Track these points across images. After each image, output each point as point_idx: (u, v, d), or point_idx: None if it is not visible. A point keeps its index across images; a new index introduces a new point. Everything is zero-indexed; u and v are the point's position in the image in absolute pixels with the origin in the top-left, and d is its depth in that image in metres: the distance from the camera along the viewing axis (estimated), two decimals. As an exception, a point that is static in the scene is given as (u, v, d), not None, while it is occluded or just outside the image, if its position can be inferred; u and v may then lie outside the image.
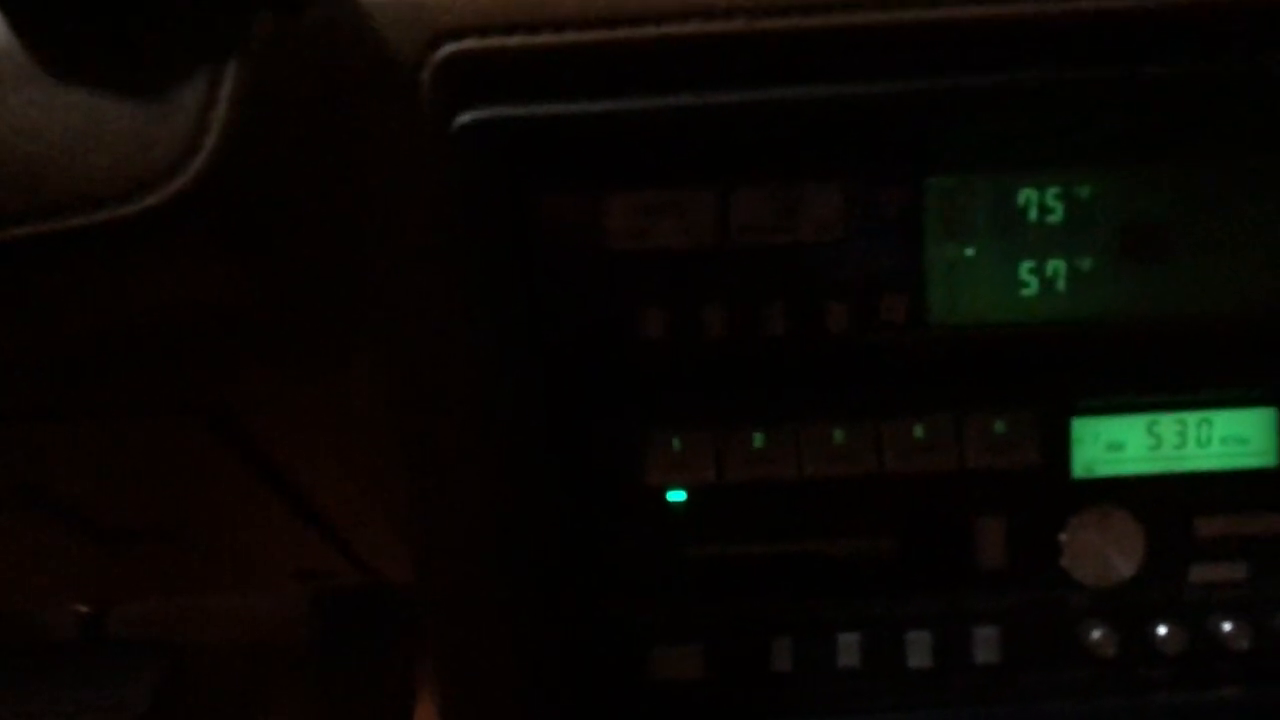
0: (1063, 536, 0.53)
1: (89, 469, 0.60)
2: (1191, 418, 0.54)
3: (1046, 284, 0.51)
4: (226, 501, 0.65)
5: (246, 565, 0.78)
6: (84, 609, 1.26)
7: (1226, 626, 0.53)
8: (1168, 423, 0.54)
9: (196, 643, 1.28)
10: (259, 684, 1.27)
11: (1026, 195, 0.50)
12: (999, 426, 0.53)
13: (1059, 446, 0.53)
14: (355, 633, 1.24)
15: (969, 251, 0.51)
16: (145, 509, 0.65)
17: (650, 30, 0.42)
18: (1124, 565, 0.53)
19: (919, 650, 0.54)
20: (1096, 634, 0.53)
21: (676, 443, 0.53)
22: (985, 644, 0.54)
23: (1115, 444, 0.54)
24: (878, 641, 0.54)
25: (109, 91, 0.39)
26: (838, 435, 0.53)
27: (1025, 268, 0.51)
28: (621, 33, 0.42)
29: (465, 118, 0.43)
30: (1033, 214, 0.50)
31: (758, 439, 0.53)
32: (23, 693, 1.19)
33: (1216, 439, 0.54)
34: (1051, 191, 0.50)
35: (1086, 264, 0.51)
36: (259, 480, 0.61)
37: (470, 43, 0.42)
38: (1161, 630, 0.53)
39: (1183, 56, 0.44)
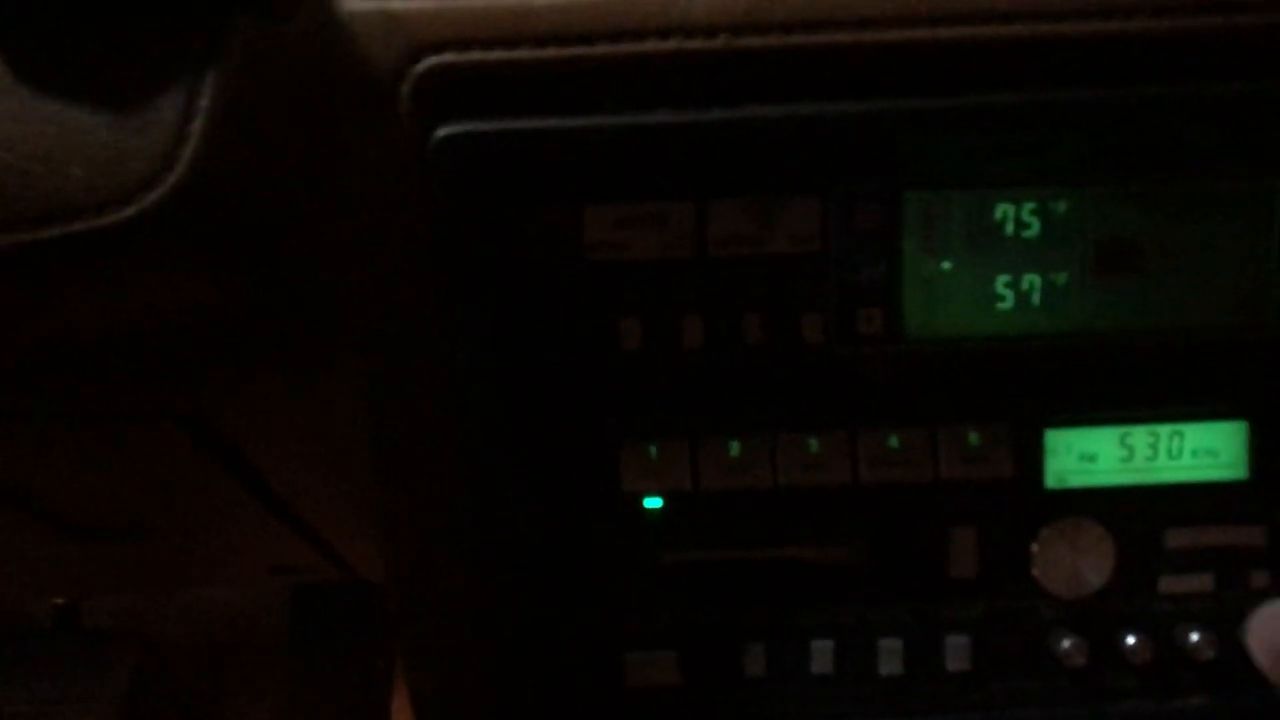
0: (1034, 547, 0.54)
1: (63, 469, 0.59)
2: (1164, 430, 0.54)
3: (1022, 298, 0.51)
4: (203, 501, 0.65)
5: (223, 561, 0.78)
6: (59, 600, 1.25)
7: (1194, 637, 0.53)
8: (1140, 434, 0.54)
9: (171, 634, 1.28)
10: (234, 675, 1.27)
11: (1003, 210, 0.51)
12: (973, 438, 0.53)
13: (1032, 458, 0.54)
14: (331, 624, 1.23)
15: (945, 265, 0.51)
16: (121, 508, 0.65)
17: (630, 47, 0.42)
18: (1094, 576, 0.54)
19: (891, 658, 0.54)
20: (1066, 643, 0.53)
21: (653, 450, 0.53)
22: (956, 652, 0.54)
23: (1088, 455, 0.54)
24: (850, 648, 0.54)
25: (86, 102, 0.38)
26: (813, 445, 0.53)
27: (1001, 281, 0.51)
28: (601, 49, 0.42)
29: (444, 131, 0.43)
30: (1009, 228, 0.51)
31: (734, 447, 0.53)
32: (1, 683, 1.19)
33: (1188, 451, 0.54)
34: (1027, 206, 0.51)
35: (1061, 278, 0.51)
36: (236, 481, 0.61)
37: (450, 56, 0.42)
38: (1130, 640, 0.54)
39: (1157, 79, 0.45)
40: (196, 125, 0.39)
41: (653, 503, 0.54)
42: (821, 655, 0.54)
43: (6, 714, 1.20)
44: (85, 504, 0.64)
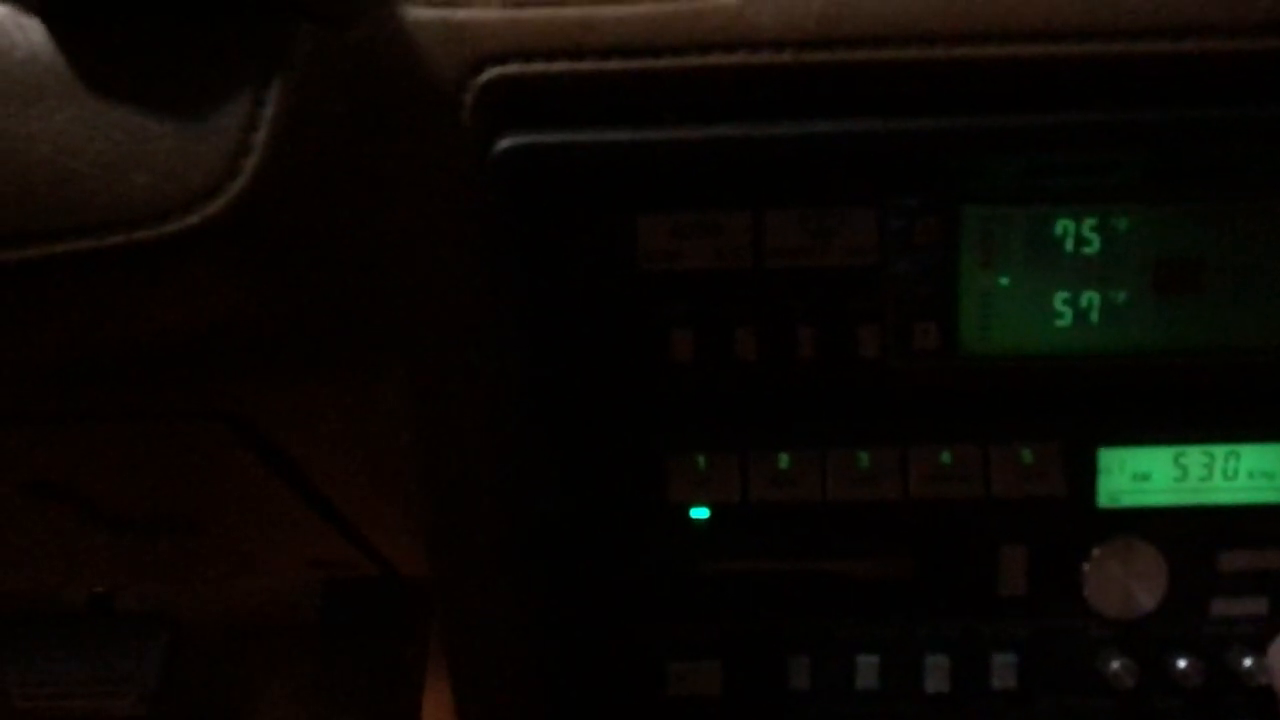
0: (1085, 566, 0.53)
1: (109, 465, 0.59)
2: (1219, 450, 0.53)
3: (1080, 315, 0.51)
4: (246, 497, 0.65)
5: (263, 555, 0.78)
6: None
7: (1246, 662, 0.53)
8: (1195, 455, 0.53)
9: (202, 618, 1.29)
10: (264, 660, 1.28)
11: (1063, 225, 0.50)
12: (1026, 455, 0.53)
13: (1085, 476, 0.53)
14: (362, 612, 1.24)
15: (1003, 280, 0.50)
16: (164, 503, 0.65)
17: (695, 60, 0.41)
18: (1146, 597, 0.53)
19: (937, 674, 0.54)
20: (1115, 665, 0.53)
21: (701, 460, 0.53)
22: (1003, 671, 0.54)
23: (1141, 474, 0.53)
24: (896, 664, 0.54)
25: (151, 110, 0.38)
26: (863, 459, 0.53)
27: (1059, 298, 0.51)
28: (665, 62, 0.41)
29: (506, 142, 0.43)
30: (1069, 244, 0.50)
31: (783, 460, 0.53)
32: (33, 665, 1.20)
33: (1244, 472, 0.53)
34: (1088, 222, 0.50)
35: (1121, 296, 0.51)
36: (280, 480, 0.61)
37: (514, 67, 0.42)
38: (1181, 663, 0.53)
39: (1222, 98, 0.44)
40: (260, 134, 0.38)
41: (699, 513, 0.53)
42: (867, 670, 0.54)
43: (38, 696, 1.21)
44: (129, 498, 0.64)
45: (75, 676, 1.22)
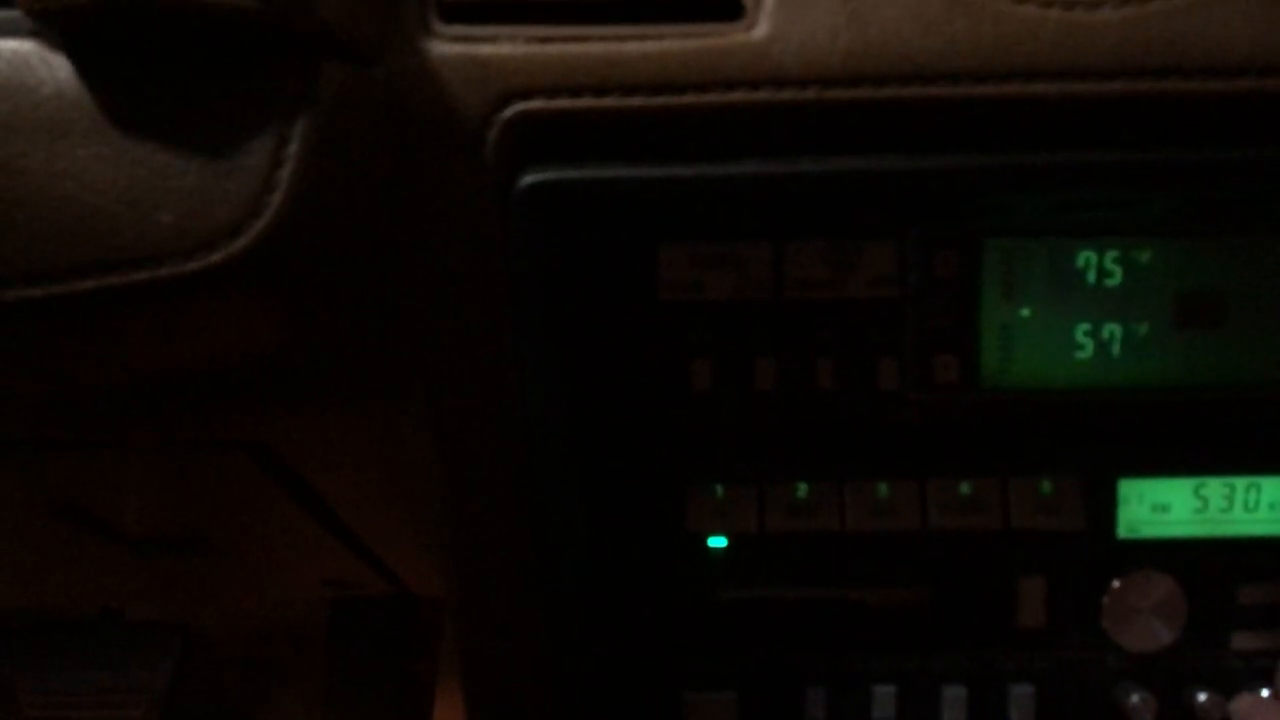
0: (1104, 598, 0.53)
1: (129, 489, 0.60)
2: (1240, 482, 0.53)
3: (1101, 347, 0.51)
4: (262, 520, 0.65)
5: (278, 575, 0.79)
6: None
7: (1266, 693, 0.52)
8: (1215, 486, 0.53)
9: (213, 627, 1.29)
10: (274, 668, 1.28)
11: (1085, 257, 0.50)
12: (1045, 487, 0.52)
13: (1105, 507, 0.53)
14: (374, 622, 1.24)
15: (1024, 312, 0.50)
16: (181, 525, 0.66)
17: (719, 97, 0.41)
18: (1165, 630, 0.53)
19: (954, 706, 0.54)
20: (1135, 698, 0.53)
21: (719, 490, 0.53)
22: (1021, 702, 0.54)
23: (1161, 505, 0.53)
24: (913, 695, 0.54)
25: (176, 147, 0.38)
26: (882, 490, 0.52)
27: (1081, 330, 0.50)
28: (690, 99, 0.41)
29: (530, 178, 0.43)
30: (1091, 276, 0.50)
31: (801, 490, 0.53)
32: (45, 674, 1.20)
33: (1265, 504, 0.53)
34: (1110, 255, 0.50)
35: (1143, 329, 0.50)
36: (296, 503, 0.61)
37: (538, 103, 0.42)
38: (1201, 697, 0.53)
39: (1245, 138, 0.44)
40: (285, 171, 0.38)
41: (717, 542, 0.53)
42: (883, 701, 0.54)
43: (49, 704, 1.21)
44: (148, 521, 0.65)
45: (86, 685, 1.22)
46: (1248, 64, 0.42)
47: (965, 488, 0.52)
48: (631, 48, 0.41)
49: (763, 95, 0.41)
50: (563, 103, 0.41)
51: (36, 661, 1.22)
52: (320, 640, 1.25)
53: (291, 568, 0.76)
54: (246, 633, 1.29)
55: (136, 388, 0.45)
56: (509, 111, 0.42)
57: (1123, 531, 0.53)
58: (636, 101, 0.41)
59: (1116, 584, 0.53)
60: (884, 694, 0.54)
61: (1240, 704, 0.52)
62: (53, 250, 0.38)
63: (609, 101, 0.41)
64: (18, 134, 0.38)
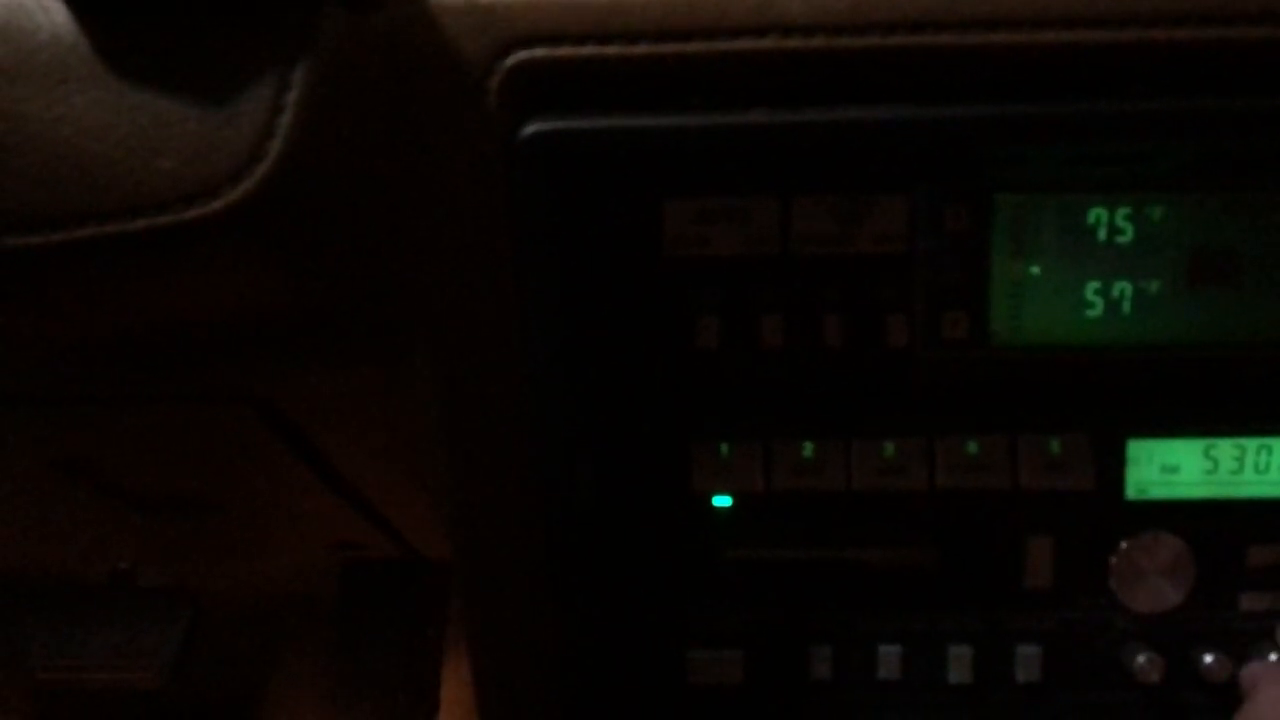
0: (1112, 559, 0.53)
1: (135, 446, 0.60)
2: (1251, 443, 0.53)
3: (1112, 305, 0.50)
4: (269, 480, 0.65)
5: (285, 536, 0.79)
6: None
7: (1275, 657, 0.52)
8: (1225, 447, 0.53)
9: (223, 593, 1.30)
10: (284, 636, 1.28)
11: (1096, 214, 0.49)
12: (1054, 446, 0.52)
13: (1114, 468, 0.52)
14: (383, 588, 1.24)
15: (1034, 269, 0.50)
16: (188, 484, 0.66)
17: (725, 45, 0.41)
18: (1173, 591, 0.53)
19: (960, 665, 0.53)
20: (1141, 659, 0.52)
21: (724, 449, 0.52)
22: (1027, 662, 0.53)
23: (1170, 467, 0.53)
24: (919, 655, 0.54)
25: (176, 93, 0.38)
26: (889, 449, 0.52)
27: (1091, 288, 0.50)
28: (694, 46, 0.41)
29: (532, 128, 0.42)
30: (1102, 233, 0.49)
31: (807, 449, 0.52)
32: (56, 638, 1.21)
33: (1275, 466, 0.53)
34: (1122, 211, 0.49)
35: (1154, 286, 0.50)
36: (302, 462, 0.61)
37: (541, 51, 0.41)
38: (1208, 658, 0.52)
39: (1262, 88, 0.43)
40: (285, 119, 0.38)
41: (722, 501, 0.53)
42: (889, 661, 0.54)
43: (60, 668, 1.22)
44: (154, 479, 0.65)
45: (96, 650, 1.23)
46: (1264, 11, 0.41)
47: (973, 447, 0.52)
48: (636, -6, 0.41)
49: (768, 43, 0.41)
50: (566, 50, 0.41)
51: (48, 626, 1.23)
52: (329, 606, 1.26)
53: (299, 529, 0.76)
54: (256, 599, 1.30)
55: (138, 341, 0.45)
56: (511, 59, 0.41)
57: (1131, 492, 0.52)
58: (640, 49, 0.41)
59: (1125, 545, 0.52)
60: (889, 653, 0.54)
61: (1249, 671, 0.52)
62: (51, 197, 0.38)
63: (612, 49, 0.41)
64: (15, 80, 0.38)
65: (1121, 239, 0.49)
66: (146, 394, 0.52)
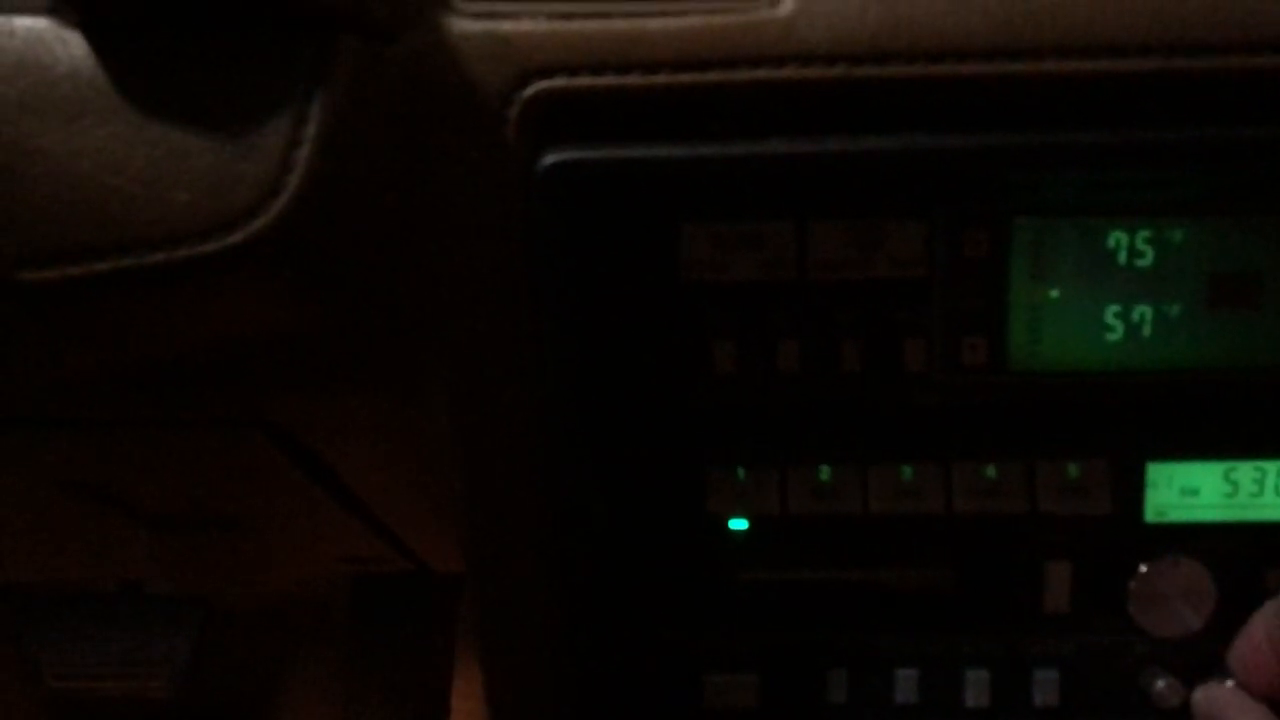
0: (1131, 583, 0.52)
1: (147, 468, 0.60)
2: (1271, 466, 0.52)
3: (1132, 329, 0.50)
4: (280, 498, 0.65)
5: (296, 553, 0.79)
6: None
7: (1230, 683, 0.52)
8: (1245, 470, 0.52)
9: (234, 601, 1.30)
10: (295, 644, 1.28)
11: (1116, 238, 0.49)
12: (1072, 471, 0.52)
13: (1132, 491, 0.52)
14: (393, 597, 1.24)
15: (1054, 293, 0.49)
16: (199, 504, 0.66)
17: (744, 74, 0.40)
18: (1192, 615, 0.52)
19: (977, 689, 0.53)
20: (1160, 684, 0.52)
21: (740, 472, 0.52)
22: (1045, 687, 0.53)
23: (1190, 489, 0.52)
24: (936, 678, 0.53)
25: (193, 127, 0.38)
26: (906, 473, 0.52)
27: (1111, 312, 0.50)
28: (714, 76, 0.40)
29: (551, 158, 0.42)
30: (1121, 257, 0.49)
31: (824, 473, 0.52)
32: (66, 647, 1.21)
33: (1295, 489, 0.52)
34: (1142, 235, 0.49)
35: (1174, 310, 0.49)
36: (313, 482, 0.61)
37: (560, 81, 0.41)
38: (1229, 684, 0.52)
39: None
40: (303, 151, 0.38)
41: (738, 524, 0.53)
42: (906, 684, 0.53)
43: (71, 676, 1.22)
44: (165, 499, 0.65)
45: (107, 658, 1.23)
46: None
47: (991, 471, 0.52)
48: (655, 24, 0.40)
49: (788, 73, 0.40)
50: (584, 81, 0.41)
51: (59, 634, 1.23)
52: (341, 615, 1.26)
53: (310, 545, 0.76)
54: (267, 607, 1.30)
55: (152, 369, 0.45)
56: (530, 90, 0.41)
57: (1150, 516, 0.52)
58: (660, 79, 0.41)
59: (1144, 569, 0.52)
60: (907, 677, 0.53)
61: (1204, 695, 0.51)
62: (69, 231, 0.38)
63: (631, 79, 0.41)
64: (33, 113, 0.38)
65: (1141, 262, 0.49)
66: (159, 419, 0.52)
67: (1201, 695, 0.51)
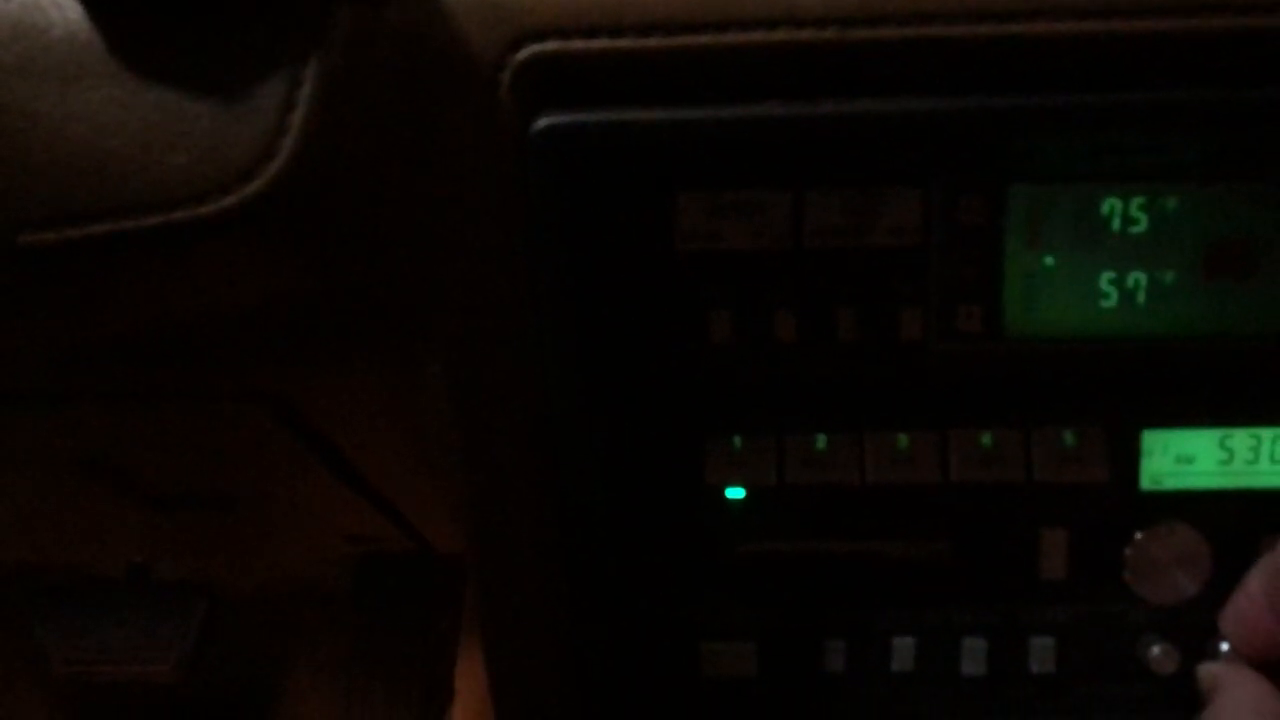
0: (1127, 550, 0.52)
1: (150, 443, 0.60)
2: (1266, 433, 0.52)
3: (1127, 296, 0.50)
4: (283, 475, 0.65)
5: (300, 531, 0.79)
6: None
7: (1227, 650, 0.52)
8: (1241, 437, 0.52)
9: (238, 587, 1.30)
10: (300, 629, 1.29)
11: (1111, 205, 0.49)
12: (1069, 438, 0.52)
13: (1128, 459, 0.52)
14: (398, 581, 1.25)
15: (1049, 261, 0.49)
16: (203, 480, 0.66)
17: (737, 37, 0.40)
18: (1188, 582, 0.53)
19: (974, 658, 0.53)
20: (1156, 650, 0.52)
21: (737, 441, 0.52)
22: (1041, 654, 0.53)
23: (1185, 457, 0.52)
24: (933, 647, 0.54)
25: (188, 90, 0.38)
26: (902, 441, 0.52)
27: (1106, 279, 0.50)
28: (707, 38, 0.40)
29: (544, 122, 0.42)
30: (1116, 224, 0.49)
31: (820, 442, 0.52)
32: (73, 632, 1.21)
33: (1292, 456, 0.52)
34: (1136, 202, 0.49)
35: (1169, 277, 0.49)
36: (317, 458, 0.61)
37: (552, 44, 0.41)
38: (1224, 649, 0.52)
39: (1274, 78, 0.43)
40: (298, 115, 0.38)
41: (735, 494, 0.53)
42: (903, 653, 0.54)
43: (78, 661, 1.23)
44: (169, 476, 0.65)
45: (113, 643, 1.24)
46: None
47: (987, 439, 0.52)
48: (647, -13, 0.41)
49: (780, 36, 0.40)
50: (577, 44, 0.41)
51: (66, 620, 1.23)
52: (344, 598, 1.26)
53: (314, 523, 0.76)
54: (272, 593, 1.30)
55: (151, 337, 0.45)
56: (523, 53, 0.41)
57: (1146, 483, 0.52)
58: (652, 42, 0.41)
59: (1139, 536, 0.52)
60: (904, 646, 0.54)
61: (1207, 671, 0.51)
62: (66, 194, 0.38)
63: (624, 42, 0.41)
64: (29, 77, 0.38)
65: (1136, 230, 0.49)
66: (161, 392, 0.52)
67: (1204, 670, 0.51)
